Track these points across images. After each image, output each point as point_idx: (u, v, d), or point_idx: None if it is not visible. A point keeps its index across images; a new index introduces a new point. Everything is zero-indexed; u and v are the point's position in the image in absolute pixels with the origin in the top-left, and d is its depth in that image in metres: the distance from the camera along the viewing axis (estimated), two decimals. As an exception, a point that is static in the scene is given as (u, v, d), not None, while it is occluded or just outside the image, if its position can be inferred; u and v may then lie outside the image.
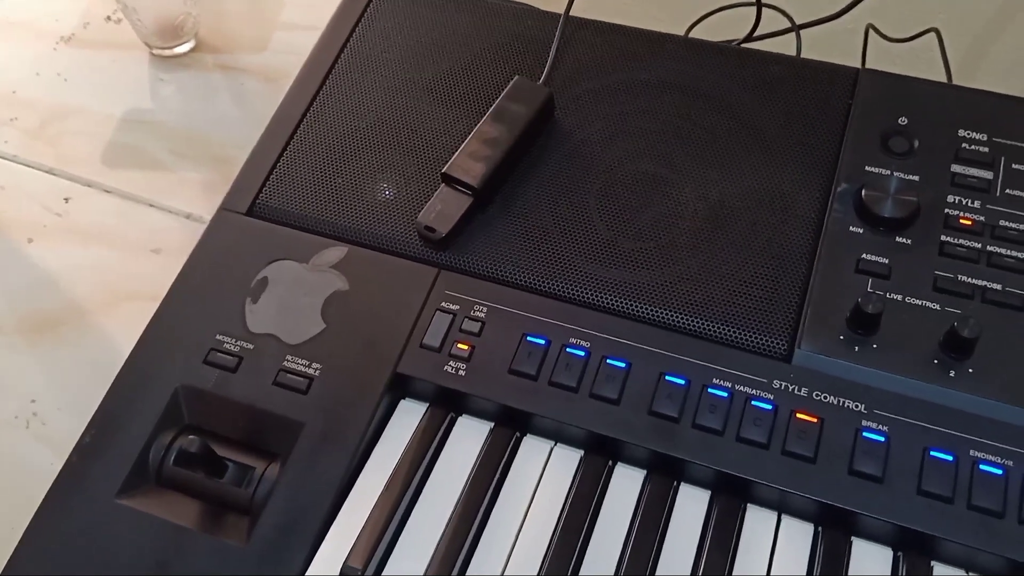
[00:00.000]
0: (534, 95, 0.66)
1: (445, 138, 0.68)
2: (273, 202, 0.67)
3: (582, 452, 0.58)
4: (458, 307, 0.61)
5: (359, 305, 0.61)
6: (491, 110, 0.66)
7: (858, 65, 0.72)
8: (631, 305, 0.60)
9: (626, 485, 0.57)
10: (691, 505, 0.56)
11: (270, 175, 0.68)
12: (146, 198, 0.96)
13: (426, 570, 0.52)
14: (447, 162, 0.64)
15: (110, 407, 0.59)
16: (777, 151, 0.66)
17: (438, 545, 0.53)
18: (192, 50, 1.11)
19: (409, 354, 0.59)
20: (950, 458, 0.53)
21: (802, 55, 0.81)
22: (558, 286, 0.61)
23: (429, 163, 0.67)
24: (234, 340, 0.61)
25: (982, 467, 0.53)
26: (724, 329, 0.59)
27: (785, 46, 0.79)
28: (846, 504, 0.53)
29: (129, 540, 0.55)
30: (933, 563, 0.53)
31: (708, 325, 0.59)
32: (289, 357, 0.59)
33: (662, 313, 0.60)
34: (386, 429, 0.59)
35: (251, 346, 0.60)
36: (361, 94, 0.71)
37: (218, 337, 0.61)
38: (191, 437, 0.55)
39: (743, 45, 0.82)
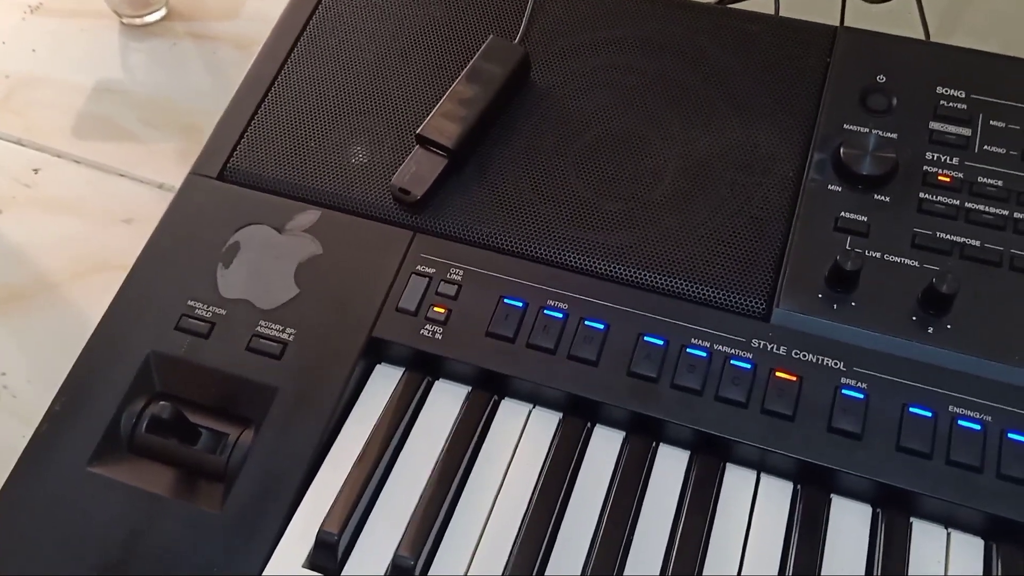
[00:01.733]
0: (509, 54, 0.65)
1: (419, 100, 0.66)
2: (245, 166, 0.65)
3: (561, 414, 0.57)
4: (434, 270, 0.60)
5: (333, 269, 0.60)
6: (466, 70, 0.65)
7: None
8: (609, 266, 0.60)
9: (605, 446, 0.56)
10: (670, 465, 0.55)
11: (241, 139, 0.66)
12: (117, 168, 0.95)
13: (402, 535, 0.52)
14: (421, 124, 0.63)
15: (80, 375, 0.58)
16: (756, 110, 0.65)
17: (415, 510, 0.53)
18: (163, 18, 1.09)
19: (385, 318, 0.58)
20: (929, 414, 0.53)
21: (781, 14, 0.80)
22: (535, 248, 0.61)
23: (403, 125, 0.66)
24: (206, 306, 0.60)
25: (961, 423, 0.53)
26: (703, 289, 0.59)
27: (765, 5, 0.78)
28: (825, 461, 0.53)
29: (101, 509, 0.54)
30: (912, 519, 0.53)
31: (686, 285, 0.59)
32: (262, 322, 0.59)
33: (640, 274, 0.59)
34: (362, 394, 0.58)
35: (223, 312, 0.59)
36: (333, 56, 0.70)
37: (189, 303, 0.60)
38: (162, 403, 0.54)
39: (722, 4, 0.81)
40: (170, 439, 0.56)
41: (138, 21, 1.08)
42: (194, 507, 0.54)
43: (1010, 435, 0.52)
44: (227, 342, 0.58)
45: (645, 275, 0.59)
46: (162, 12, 1.08)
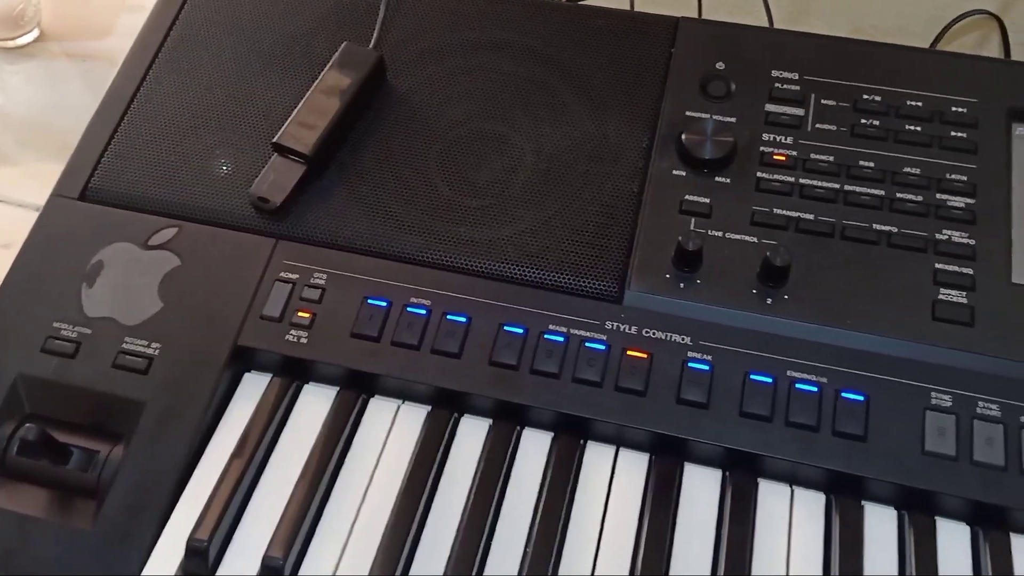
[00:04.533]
0: (363, 60, 0.66)
1: (279, 109, 0.67)
2: (106, 185, 0.66)
3: (428, 408, 0.59)
4: (297, 276, 0.61)
5: (196, 281, 0.61)
6: (320, 77, 0.66)
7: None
8: (469, 261, 0.62)
9: (471, 435, 0.58)
10: (533, 448, 0.58)
11: (101, 158, 0.67)
12: (-7, 193, 0.93)
13: (272, 537, 0.53)
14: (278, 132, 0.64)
15: (-54, 403, 0.58)
16: (604, 103, 0.67)
17: (284, 512, 0.54)
18: (37, 39, 1.07)
19: (249, 326, 0.59)
20: (769, 380, 0.56)
21: (637, 8, 0.83)
22: (397, 247, 0.62)
23: (264, 135, 0.67)
24: (71, 326, 0.60)
25: (798, 386, 0.56)
26: (559, 277, 0.61)
27: (618, 1, 0.80)
28: (675, 431, 0.55)
29: (-28, 534, 0.54)
30: (759, 480, 0.56)
31: (543, 274, 0.61)
32: (128, 339, 0.59)
33: (499, 267, 0.62)
34: (231, 402, 0.59)
35: (89, 331, 0.60)
36: (192, 71, 0.70)
37: (55, 324, 0.60)
38: (28, 425, 0.54)
39: (572, 1, 0.84)
40: (41, 460, 0.56)
41: (11, 44, 1.06)
42: (67, 525, 0.55)
43: (844, 394, 0.56)
44: (93, 360, 0.59)
45: (504, 267, 0.61)
46: (35, 33, 1.07)
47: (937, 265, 0.59)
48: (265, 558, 0.52)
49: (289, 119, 0.64)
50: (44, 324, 0.60)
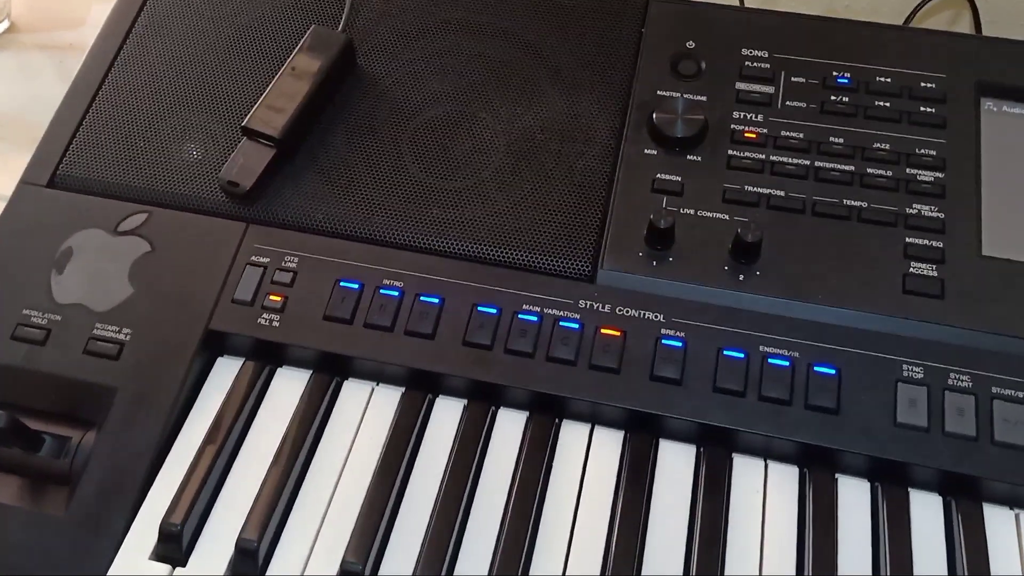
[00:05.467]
0: (331, 42, 0.66)
1: (248, 94, 0.67)
2: (75, 171, 0.65)
3: (403, 389, 0.59)
4: (268, 259, 0.61)
5: (167, 266, 0.61)
6: (289, 61, 0.66)
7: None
8: (442, 242, 0.62)
9: (446, 416, 0.58)
10: (508, 427, 0.57)
11: (70, 145, 0.66)
12: (-36, 186, 0.92)
13: (246, 519, 0.53)
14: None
15: (-86, 393, 0.58)
16: (576, 83, 0.67)
17: (258, 495, 0.54)
18: (7, 31, 1.06)
19: (221, 310, 0.59)
20: (741, 355, 0.57)
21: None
22: (369, 230, 0.62)
23: (234, 120, 0.66)
24: (41, 313, 0.59)
25: (771, 361, 0.56)
26: (532, 257, 0.61)
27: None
28: (649, 408, 0.56)
29: (-58, 523, 0.54)
30: (733, 455, 0.56)
31: (517, 254, 0.61)
32: (98, 325, 0.59)
33: (472, 247, 0.61)
34: (204, 387, 0.59)
35: (59, 317, 0.59)
36: (160, 56, 0.70)
37: (24, 312, 0.60)
38: (-1, 413, 0.54)
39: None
40: (13, 448, 0.56)
41: (-20, 35, 1.05)
42: (38, 512, 0.54)
43: (816, 368, 0.56)
44: (64, 347, 0.58)
45: (477, 248, 0.61)
46: (5, 24, 1.06)
47: (907, 239, 0.60)
48: (239, 540, 0.51)
49: (258, 103, 0.64)
50: (13, 311, 0.60)
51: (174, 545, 0.52)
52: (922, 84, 0.66)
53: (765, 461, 0.56)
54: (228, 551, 0.52)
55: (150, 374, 0.57)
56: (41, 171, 0.65)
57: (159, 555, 0.52)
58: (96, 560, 0.52)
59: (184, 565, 0.52)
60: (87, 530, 0.53)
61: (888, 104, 0.65)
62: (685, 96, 0.65)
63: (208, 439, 0.56)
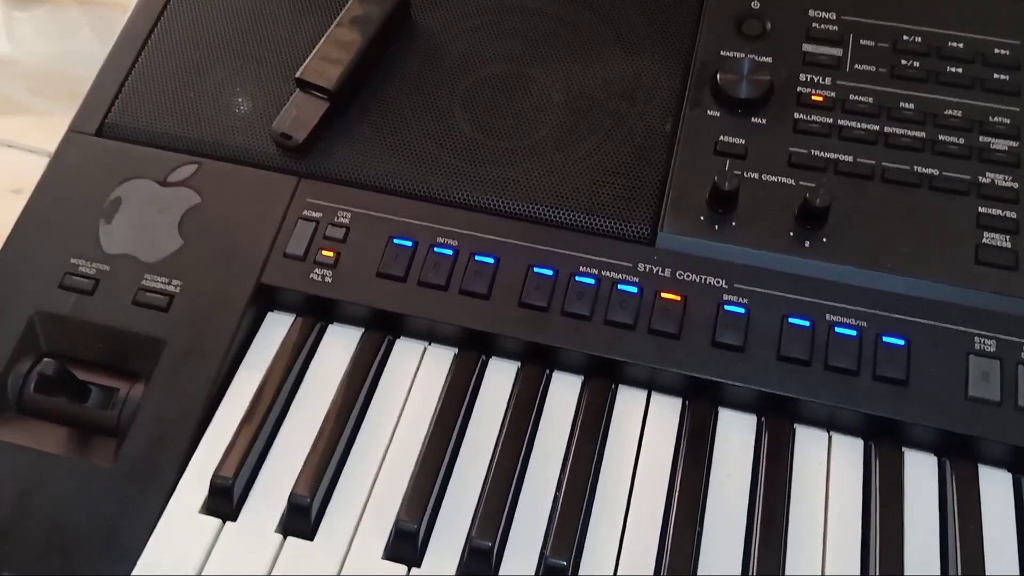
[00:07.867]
0: (387, -5, 0.64)
1: (300, 45, 0.65)
2: (124, 121, 0.64)
3: (456, 350, 0.58)
4: (321, 214, 0.59)
5: (218, 219, 0.59)
6: (343, 12, 0.64)
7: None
8: (497, 201, 0.60)
9: (500, 378, 0.57)
10: (563, 391, 0.56)
11: (119, 94, 0.65)
12: (4, 139, 0.92)
13: (297, 477, 0.52)
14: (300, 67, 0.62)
15: (-37, 341, 0.57)
16: (637, 41, 0.65)
17: (311, 451, 0.53)
18: (46, -14, 1.05)
19: (272, 264, 0.58)
20: (807, 323, 0.55)
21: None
22: (423, 187, 0.61)
23: (285, 71, 0.65)
24: (89, 263, 0.58)
25: (837, 330, 0.55)
26: (589, 218, 0.59)
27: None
28: (709, 375, 0.54)
29: (-10, 470, 0.53)
30: (796, 425, 0.54)
31: (573, 216, 0.59)
32: (147, 276, 0.58)
33: (528, 207, 0.60)
34: (254, 341, 0.57)
35: (107, 267, 0.58)
36: (210, 5, 0.68)
37: (73, 261, 0.59)
38: (47, 360, 0.53)
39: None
40: (59, 397, 0.55)
41: (20, -11, 1.04)
42: (86, 463, 0.53)
43: (885, 339, 0.54)
44: (112, 297, 0.57)
45: (533, 208, 0.60)
46: (44, -21, 1.05)
47: (980, 209, 0.58)
48: (292, 496, 0.50)
49: (311, 54, 0.62)
50: (62, 261, 0.59)
51: (225, 500, 0.51)
52: (996, 51, 0.63)
53: (829, 433, 0.54)
54: (279, 507, 0.52)
55: (200, 327, 0.56)
56: (90, 119, 0.64)
57: (209, 509, 0.52)
58: (146, 513, 0.51)
59: (235, 520, 0.51)
60: (135, 483, 0.52)
61: (960, 70, 0.62)
62: (750, 56, 0.63)
63: (259, 394, 0.55)
